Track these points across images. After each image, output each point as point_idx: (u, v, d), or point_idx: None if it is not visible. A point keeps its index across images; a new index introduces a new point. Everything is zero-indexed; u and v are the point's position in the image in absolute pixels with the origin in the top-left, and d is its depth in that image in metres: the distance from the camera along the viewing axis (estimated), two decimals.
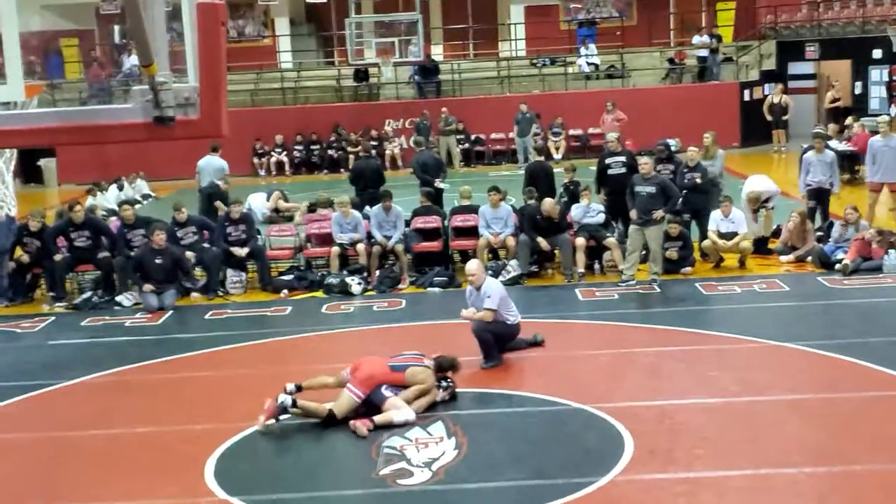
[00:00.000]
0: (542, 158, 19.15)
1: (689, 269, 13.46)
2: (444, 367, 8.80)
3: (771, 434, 7.82)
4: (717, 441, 7.70)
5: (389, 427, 8.14)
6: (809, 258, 13.65)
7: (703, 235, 13.99)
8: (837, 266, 12.99)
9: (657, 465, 7.29)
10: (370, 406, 8.39)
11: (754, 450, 7.49)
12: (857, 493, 6.73)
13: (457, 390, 8.79)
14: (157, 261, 13.09)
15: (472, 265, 10.13)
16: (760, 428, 7.95)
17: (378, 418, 8.21)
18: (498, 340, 9.86)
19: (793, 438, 7.71)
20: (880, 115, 18.91)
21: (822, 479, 6.99)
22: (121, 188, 21.38)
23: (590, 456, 7.55)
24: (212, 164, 16.87)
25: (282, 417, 8.39)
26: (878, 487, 6.79)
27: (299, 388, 8.48)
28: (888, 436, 7.65)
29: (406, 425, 8.19)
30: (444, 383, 8.74)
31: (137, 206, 16.96)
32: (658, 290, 12.61)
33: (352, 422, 8.16)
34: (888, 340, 9.95)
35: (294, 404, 8.31)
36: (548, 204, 13.43)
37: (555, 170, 15.89)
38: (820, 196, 14.76)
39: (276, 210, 18.06)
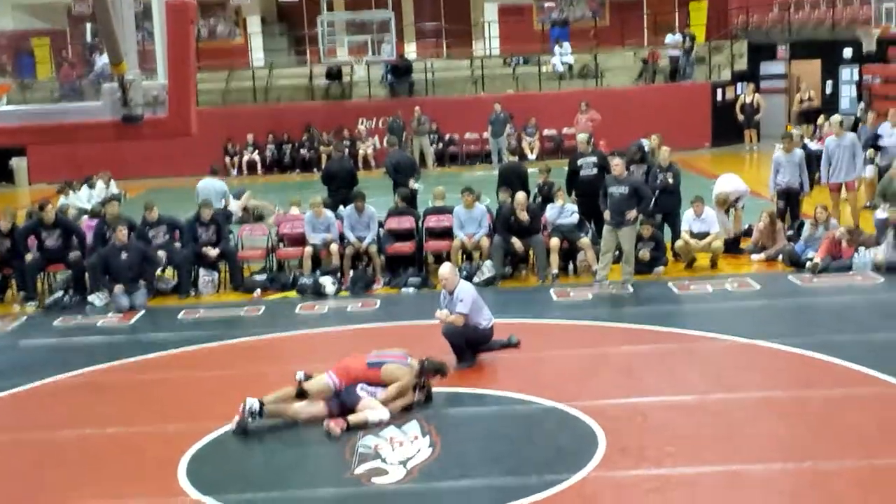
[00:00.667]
0: (515, 159, 19.15)
1: (661, 269, 13.52)
2: (431, 371, 8.77)
3: (742, 431, 7.87)
4: (689, 438, 7.74)
5: (364, 427, 8.14)
6: (780, 257, 13.75)
7: (676, 236, 14.06)
8: (808, 265, 13.09)
9: (629, 462, 7.33)
10: (344, 407, 8.38)
11: (726, 447, 7.55)
12: (828, 490, 6.79)
13: (432, 390, 8.78)
14: (123, 257, 13.04)
15: (445, 269, 10.13)
16: (732, 425, 8.01)
17: (352, 418, 8.21)
18: (470, 344, 9.86)
19: (764, 435, 7.77)
20: (848, 114, 19.11)
21: (793, 475, 7.05)
22: (91, 187, 21.21)
23: (563, 454, 7.57)
24: (213, 187, 16.58)
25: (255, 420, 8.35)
26: (850, 483, 6.85)
27: (261, 406, 8.37)
28: (859, 432, 7.72)
29: (380, 425, 8.19)
30: (421, 387, 8.71)
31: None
32: (631, 290, 12.66)
33: (326, 422, 8.16)
34: (858, 338, 10.04)
35: (261, 411, 8.27)
36: (520, 198, 13.45)
37: (529, 170, 15.92)
38: (789, 196, 14.87)
39: (246, 210, 17.98)
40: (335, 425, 8.09)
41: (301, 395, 8.39)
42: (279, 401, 8.43)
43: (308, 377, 8.57)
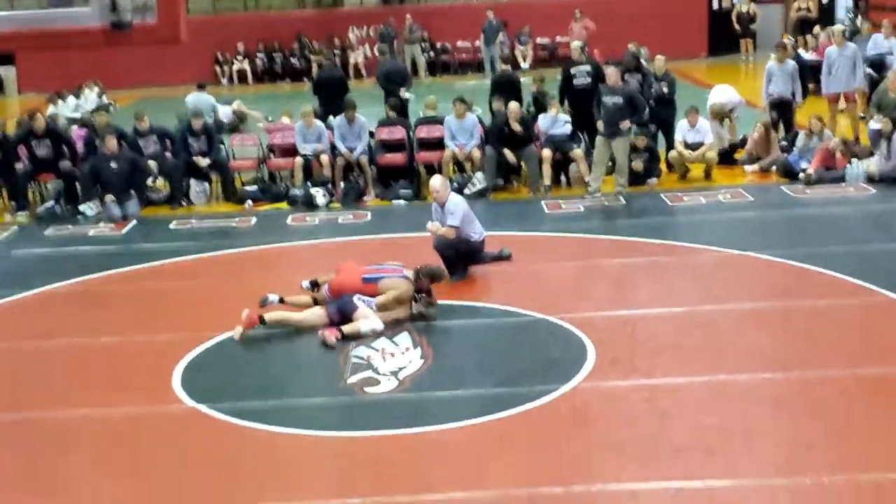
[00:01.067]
0: (508, 68, 18.96)
1: (654, 180, 13.50)
2: (427, 276, 8.79)
3: (731, 341, 7.95)
4: (677, 349, 7.81)
5: (357, 337, 8.20)
6: (773, 168, 13.74)
7: (670, 146, 14.01)
8: (801, 176, 13.08)
9: (619, 372, 7.40)
10: (342, 315, 8.42)
11: (714, 357, 7.62)
12: (812, 398, 6.87)
13: (435, 303, 8.72)
14: (113, 167, 12.98)
15: (436, 182, 10.09)
16: (721, 336, 8.08)
17: (346, 328, 8.25)
18: (461, 257, 9.86)
19: (752, 345, 7.85)
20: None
21: (779, 384, 7.13)
22: (80, 97, 21.03)
23: (553, 365, 7.64)
24: (203, 101, 16.47)
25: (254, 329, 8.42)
26: (834, 392, 6.94)
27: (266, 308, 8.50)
28: (845, 342, 7.80)
29: (374, 335, 8.25)
30: (418, 298, 8.69)
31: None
32: (624, 201, 12.66)
33: (321, 332, 8.20)
34: (848, 249, 10.08)
35: (262, 319, 8.36)
36: (513, 107, 13.35)
37: (522, 80, 15.77)
38: (782, 107, 14.77)
39: (240, 118, 17.84)
40: (330, 334, 8.14)
41: (317, 302, 8.66)
42: (291, 307, 8.62)
43: (315, 284, 8.66)
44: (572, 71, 14.40)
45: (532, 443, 6.42)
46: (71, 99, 20.55)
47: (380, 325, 8.33)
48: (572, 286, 9.53)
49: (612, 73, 12.94)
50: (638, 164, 13.26)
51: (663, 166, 13.87)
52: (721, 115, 14.63)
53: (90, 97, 20.98)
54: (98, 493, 6.06)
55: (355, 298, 8.49)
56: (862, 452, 6.07)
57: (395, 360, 7.84)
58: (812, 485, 5.71)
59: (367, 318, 8.34)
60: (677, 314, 8.59)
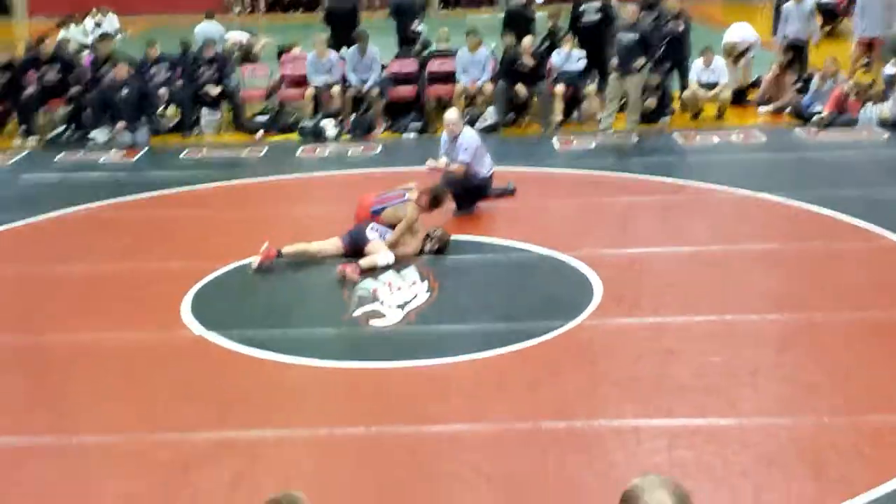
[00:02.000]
0: (522, 2, 18.72)
1: (667, 119, 13.42)
2: (432, 200, 8.78)
3: (738, 282, 7.95)
4: (684, 288, 7.83)
5: (374, 270, 8.22)
6: (787, 110, 13.63)
7: (683, 86, 13.89)
8: (814, 119, 12.98)
9: (624, 310, 7.42)
10: (356, 246, 8.44)
11: (721, 297, 7.63)
12: (817, 341, 6.90)
13: (449, 240, 8.74)
14: (123, 93, 12.93)
15: (452, 114, 10.04)
16: (728, 276, 8.08)
17: (364, 262, 8.25)
18: (469, 192, 9.83)
19: (759, 287, 7.85)
20: None
21: (784, 326, 7.15)
22: (92, 21, 20.84)
23: (559, 302, 7.66)
24: (213, 31, 16.31)
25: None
26: (838, 335, 6.96)
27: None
28: (851, 286, 7.80)
29: (387, 268, 8.28)
30: (434, 232, 8.70)
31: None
32: (635, 140, 12.59)
33: (340, 267, 8.19)
34: (858, 193, 10.02)
35: (279, 252, 8.41)
36: (526, 42, 13.23)
37: (536, 14, 15.60)
38: (797, 48, 14.59)
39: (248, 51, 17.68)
40: (351, 271, 8.12)
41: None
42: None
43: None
44: (582, 7, 14.23)
45: (535, 378, 6.47)
46: (84, 23, 20.40)
47: (392, 259, 8.36)
48: (580, 223, 9.52)
49: (631, 10, 12.79)
50: (651, 103, 13.16)
51: (676, 105, 13.77)
52: (735, 54, 14.47)
53: (102, 23, 20.82)
54: (106, 415, 6.13)
55: (369, 230, 8.51)
56: (863, 395, 6.10)
57: (401, 294, 7.87)
58: (812, 425, 5.75)
59: (380, 251, 8.36)
60: (685, 254, 8.58)
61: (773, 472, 5.30)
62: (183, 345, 7.11)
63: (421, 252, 8.63)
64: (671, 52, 13.89)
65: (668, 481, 2.67)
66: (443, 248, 8.66)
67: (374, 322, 7.39)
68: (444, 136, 10.05)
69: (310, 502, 2.91)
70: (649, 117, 13.16)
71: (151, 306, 7.75)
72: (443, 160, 9.84)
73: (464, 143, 9.74)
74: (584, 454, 5.56)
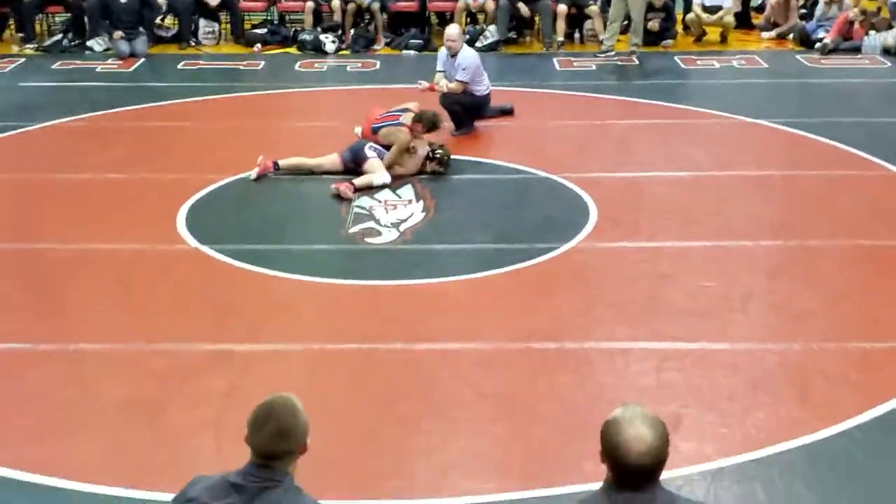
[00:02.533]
0: None
1: (670, 42, 13.31)
2: (425, 125, 8.73)
3: (735, 208, 7.97)
4: (681, 213, 7.85)
5: (369, 189, 8.22)
6: (791, 36, 13.52)
7: (687, 9, 13.75)
8: (817, 45, 12.89)
9: (620, 233, 7.45)
10: (355, 161, 8.44)
11: (717, 222, 7.66)
12: (810, 267, 6.94)
13: (450, 159, 8.71)
14: (122, 1, 12.76)
15: (454, 31, 9.94)
16: (725, 201, 8.10)
17: (359, 181, 8.23)
18: (467, 111, 9.77)
19: (755, 213, 7.87)
20: None
21: (779, 251, 7.19)
22: None
23: (554, 223, 7.68)
24: None
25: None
26: (831, 262, 7.01)
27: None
28: (847, 213, 7.82)
29: (382, 188, 8.27)
30: (435, 153, 8.65)
31: None
32: (637, 62, 12.51)
33: (335, 185, 8.18)
34: (858, 121, 10.01)
35: (276, 165, 8.41)
36: None
37: None
38: None
39: None
40: (346, 189, 8.10)
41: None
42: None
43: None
44: None
45: (528, 299, 6.52)
46: None
47: (388, 179, 8.34)
48: (578, 145, 9.50)
49: None
50: (654, 25, 13.04)
51: (679, 28, 13.64)
52: None
53: None
54: (103, 324, 6.18)
55: (367, 148, 8.47)
56: (853, 321, 6.17)
57: (397, 212, 7.88)
58: (801, 351, 5.82)
59: (376, 170, 8.34)
60: (683, 178, 8.59)
61: (760, 395, 5.38)
62: (179, 257, 7.14)
63: (421, 172, 8.61)
64: None
65: (647, 414, 2.77)
66: (444, 167, 8.64)
67: (370, 240, 7.41)
68: (442, 51, 9.95)
69: (302, 405, 2.97)
70: (652, 39, 13.05)
71: (148, 218, 7.76)
72: (443, 82, 9.70)
73: (462, 63, 9.66)
74: (574, 374, 5.63)
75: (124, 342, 5.97)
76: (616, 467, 2.76)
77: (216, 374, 5.61)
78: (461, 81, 9.63)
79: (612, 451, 2.75)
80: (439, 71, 9.86)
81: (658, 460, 2.74)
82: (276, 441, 2.88)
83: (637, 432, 2.72)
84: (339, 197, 8.07)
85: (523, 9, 13.15)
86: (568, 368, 5.69)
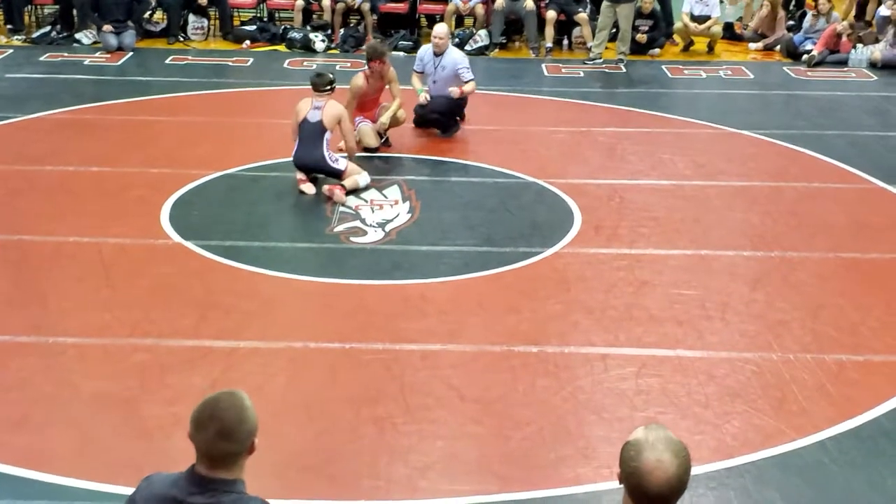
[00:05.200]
0: None
1: (657, 50, 13.37)
2: (367, 54, 9.26)
3: (716, 217, 8.02)
4: (663, 221, 7.89)
5: (356, 190, 8.22)
6: (778, 47, 13.60)
7: (666, 17, 13.82)
8: (804, 57, 12.97)
9: (602, 240, 7.49)
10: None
11: (698, 232, 7.71)
12: (790, 278, 6.99)
13: (410, 156, 8.78)
14: None
15: (443, 28, 9.95)
16: (707, 211, 8.15)
17: (348, 183, 8.20)
18: (453, 114, 9.75)
19: (737, 223, 7.93)
20: None
21: (759, 262, 7.24)
22: None
23: (538, 228, 7.72)
24: None
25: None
26: (811, 273, 7.06)
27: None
28: (828, 225, 7.88)
29: (368, 187, 8.28)
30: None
31: None
32: (624, 70, 12.57)
33: (327, 188, 8.16)
34: (842, 133, 10.09)
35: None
36: None
37: None
38: None
39: None
40: (340, 192, 8.10)
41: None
42: None
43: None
44: None
45: (510, 302, 6.55)
46: None
47: (368, 178, 8.35)
48: (564, 151, 9.54)
49: None
50: (642, 37, 13.08)
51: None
52: None
53: None
54: (84, 318, 6.19)
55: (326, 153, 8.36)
56: (831, 333, 6.22)
57: (383, 212, 7.91)
58: (778, 361, 5.87)
59: (359, 172, 8.33)
60: (666, 187, 8.64)
61: (736, 404, 5.43)
62: (162, 251, 7.14)
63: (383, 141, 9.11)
64: None
65: (671, 439, 2.62)
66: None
67: (355, 239, 7.43)
68: (424, 50, 9.86)
69: (250, 402, 2.77)
70: (640, 47, 13.12)
71: (131, 212, 7.76)
72: (455, 89, 9.60)
73: (459, 60, 9.67)
74: (553, 379, 5.66)
75: (104, 336, 5.97)
76: (634, 493, 2.60)
77: (196, 371, 5.62)
78: (472, 80, 9.64)
79: (630, 476, 2.59)
80: (417, 72, 9.81)
81: (678, 490, 2.59)
82: (218, 442, 2.67)
83: (659, 459, 2.56)
84: (331, 200, 8.06)
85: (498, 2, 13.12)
86: (547, 372, 5.72)
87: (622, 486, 2.63)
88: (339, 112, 8.19)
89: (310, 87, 8.24)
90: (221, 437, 2.66)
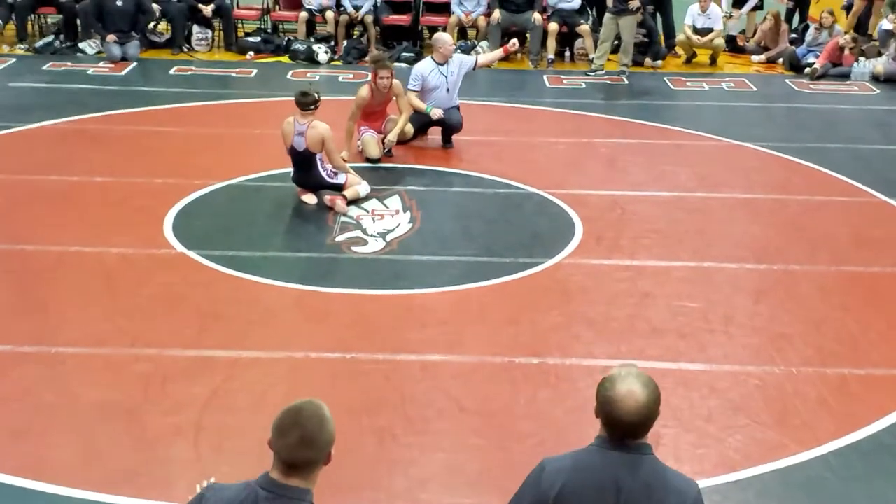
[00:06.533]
0: None
1: (659, 62, 13.39)
2: (371, 62, 9.39)
3: (719, 230, 8.02)
4: (665, 233, 7.89)
5: (357, 200, 8.23)
6: (780, 60, 13.61)
7: (667, 29, 13.83)
8: (807, 70, 12.99)
9: (604, 251, 7.48)
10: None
11: (700, 244, 7.70)
12: (793, 291, 6.98)
13: (411, 166, 8.79)
14: (118, 4, 12.78)
15: (447, 37, 9.97)
16: (709, 223, 8.15)
17: (349, 193, 8.20)
18: (454, 126, 9.73)
19: (739, 235, 7.92)
20: None
21: (761, 275, 7.23)
22: None
23: (539, 239, 7.72)
24: None
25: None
26: (814, 287, 7.05)
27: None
28: (830, 238, 7.88)
29: (367, 197, 8.29)
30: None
31: None
32: (626, 81, 12.58)
33: (328, 198, 8.15)
34: (845, 147, 10.09)
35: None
36: None
37: None
38: None
39: None
40: (340, 202, 8.11)
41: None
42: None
43: None
44: None
45: (511, 313, 6.54)
46: None
47: (368, 188, 8.35)
48: (566, 162, 9.54)
49: None
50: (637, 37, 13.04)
51: (663, 42, 13.70)
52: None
53: None
54: (87, 327, 6.18)
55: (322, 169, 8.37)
56: (834, 347, 6.21)
57: (384, 222, 7.91)
58: (781, 374, 5.86)
59: (359, 182, 8.34)
60: (668, 198, 8.64)
61: (738, 417, 5.42)
62: (165, 261, 7.14)
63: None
64: None
65: (641, 374, 2.92)
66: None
67: (356, 249, 7.43)
68: (423, 68, 9.71)
69: (329, 412, 2.87)
70: (638, 58, 13.13)
71: (134, 221, 7.76)
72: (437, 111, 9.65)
73: (465, 59, 9.77)
74: (554, 390, 5.65)
75: (106, 346, 5.97)
76: (608, 422, 2.89)
77: (197, 381, 5.62)
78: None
79: (604, 405, 2.88)
80: (414, 91, 9.61)
81: (648, 417, 2.87)
82: (300, 449, 2.77)
83: (630, 389, 2.86)
84: (333, 210, 8.06)
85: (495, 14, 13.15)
86: (548, 384, 5.71)
87: (598, 419, 2.93)
88: (321, 133, 8.04)
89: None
90: (303, 444, 2.76)
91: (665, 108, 11.62)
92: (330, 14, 13.54)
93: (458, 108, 9.71)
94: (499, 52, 10.38)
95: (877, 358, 6.10)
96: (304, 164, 8.14)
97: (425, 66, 9.76)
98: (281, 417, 2.82)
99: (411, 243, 7.56)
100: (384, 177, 8.93)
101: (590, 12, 13.92)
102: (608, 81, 12.57)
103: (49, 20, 14.01)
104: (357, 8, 13.54)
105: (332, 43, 13.45)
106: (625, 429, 2.87)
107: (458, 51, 12.37)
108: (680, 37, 13.65)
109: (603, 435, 2.93)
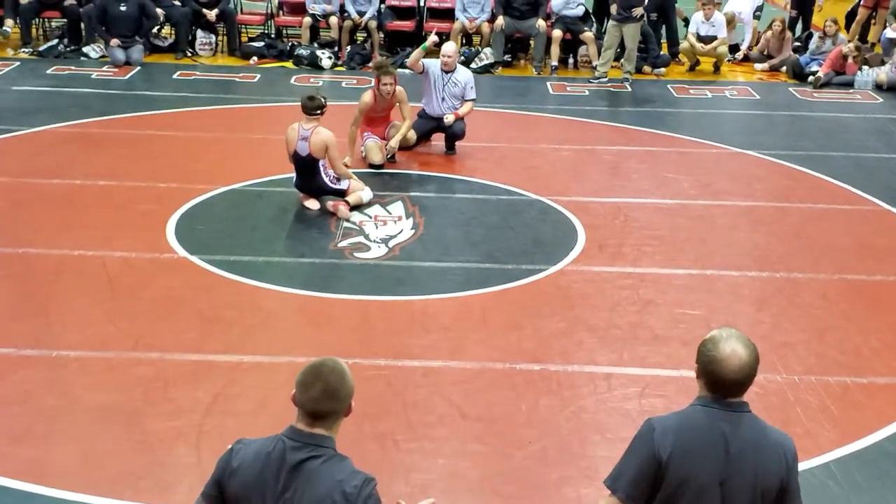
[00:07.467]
0: None
1: (662, 69, 13.39)
2: (374, 69, 9.43)
3: (721, 237, 8.02)
4: (667, 240, 7.88)
5: (360, 206, 8.23)
6: (784, 68, 13.62)
7: (671, 37, 13.83)
8: (810, 78, 12.99)
9: (606, 258, 7.48)
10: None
11: (702, 251, 7.70)
12: (795, 299, 6.97)
13: (414, 172, 8.80)
14: (122, 8, 12.79)
15: (451, 47, 9.97)
16: (712, 231, 8.15)
17: (352, 199, 8.20)
18: (456, 134, 9.76)
19: (741, 243, 7.92)
20: None
21: (764, 283, 7.23)
22: None
23: (542, 246, 7.72)
24: None
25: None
26: (816, 295, 7.04)
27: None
28: (833, 247, 7.87)
29: (371, 203, 8.29)
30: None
31: None
32: (629, 89, 12.59)
33: (331, 204, 8.15)
34: (848, 155, 10.09)
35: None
36: None
37: None
38: (803, 5, 14.53)
39: None
40: (344, 207, 8.10)
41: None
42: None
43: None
44: None
45: (513, 320, 6.54)
46: None
47: (371, 194, 8.36)
48: (569, 169, 9.54)
49: None
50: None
51: (665, 52, 13.70)
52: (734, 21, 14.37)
53: None
54: (88, 331, 6.18)
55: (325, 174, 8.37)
56: (836, 355, 6.20)
57: (387, 228, 7.91)
58: (783, 382, 5.85)
59: (362, 188, 8.34)
60: (671, 206, 8.63)
61: None
62: (167, 265, 7.15)
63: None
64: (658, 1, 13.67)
65: (742, 336, 3.05)
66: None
67: (358, 254, 7.44)
68: (434, 68, 9.73)
69: (348, 369, 3.00)
70: (641, 65, 13.15)
71: (137, 225, 7.77)
72: (449, 117, 9.58)
73: (467, 81, 9.71)
74: (556, 397, 5.64)
75: (107, 349, 5.97)
76: (712, 381, 3.00)
77: (199, 385, 5.61)
78: (473, 99, 9.70)
79: (707, 365, 3.00)
80: (429, 91, 9.74)
81: (749, 376, 3.00)
82: (323, 400, 2.92)
83: (733, 348, 2.99)
84: (336, 216, 8.06)
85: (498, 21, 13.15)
86: (550, 391, 5.71)
87: (700, 381, 3.04)
88: (325, 139, 8.06)
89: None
90: (325, 395, 2.92)
91: (668, 116, 11.62)
92: (334, 19, 13.55)
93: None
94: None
95: (879, 366, 6.09)
96: (306, 169, 8.14)
97: (433, 63, 9.81)
98: (304, 373, 2.98)
99: (414, 249, 7.56)
100: (387, 183, 8.93)
101: (593, 20, 13.92)
102: (611, 89, 12.57)
103: (53, 24, 14.03)
104: (361, 13, 13.56)
105: (336, 48, 13.46)
106: (728, 387, 2.99)
107: (463, 57, 12.44)
108: (683, 44, 13.66)
109: (705, 395, 3.04)
